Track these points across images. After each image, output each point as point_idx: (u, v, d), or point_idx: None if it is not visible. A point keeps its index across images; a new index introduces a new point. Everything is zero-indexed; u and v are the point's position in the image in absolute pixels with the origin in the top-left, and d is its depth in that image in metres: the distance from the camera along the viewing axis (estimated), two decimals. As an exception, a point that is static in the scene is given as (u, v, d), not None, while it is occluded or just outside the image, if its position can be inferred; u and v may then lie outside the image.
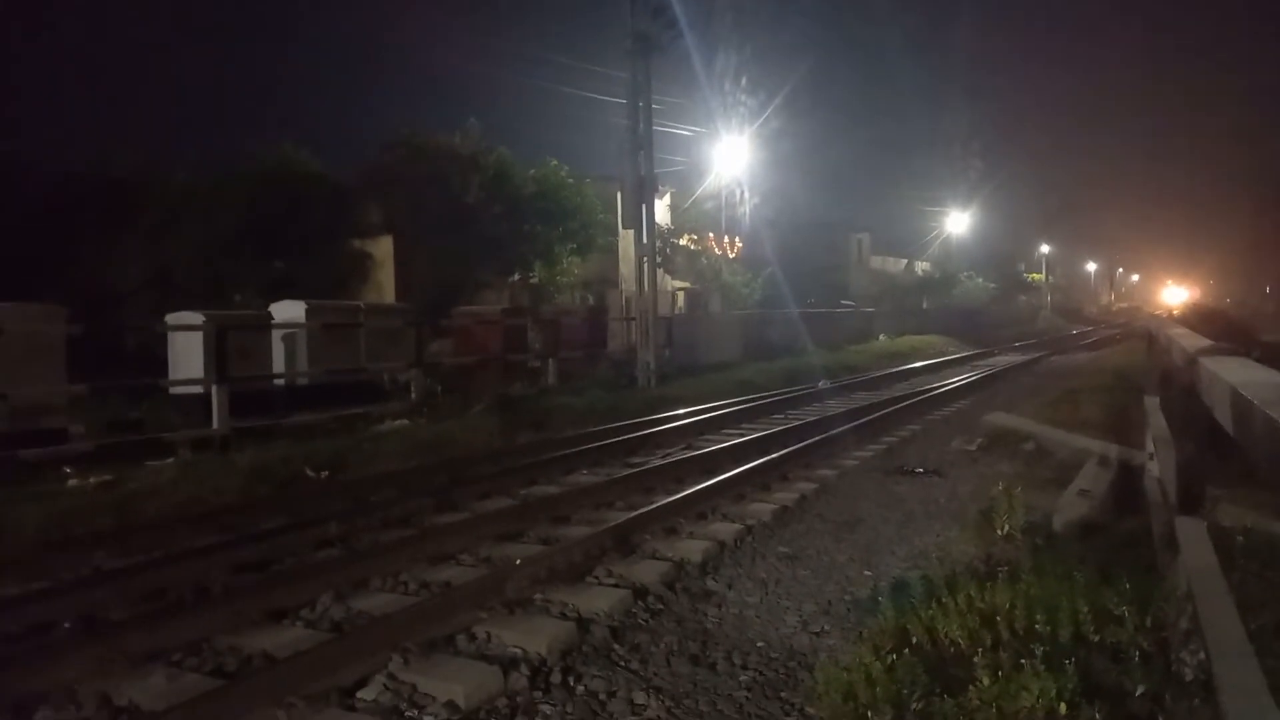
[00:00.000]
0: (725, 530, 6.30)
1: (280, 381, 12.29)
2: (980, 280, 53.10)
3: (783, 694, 3.74)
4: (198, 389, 10.46)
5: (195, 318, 11.05)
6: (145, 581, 5.16)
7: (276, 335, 12.37)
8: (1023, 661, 2.96)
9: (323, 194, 21.08)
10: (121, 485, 7.54)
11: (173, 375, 11.20)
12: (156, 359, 11.80)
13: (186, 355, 11.05)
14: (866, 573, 5.41)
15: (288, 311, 12.76)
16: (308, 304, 12.93)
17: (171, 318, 11.51)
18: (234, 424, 9.99)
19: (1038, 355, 26.81)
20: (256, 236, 19.15)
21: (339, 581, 5.07)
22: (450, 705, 3.57)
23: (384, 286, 22.41)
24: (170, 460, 8.75)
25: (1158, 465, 4.95)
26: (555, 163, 25.18)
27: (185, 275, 18.06)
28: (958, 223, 50.63)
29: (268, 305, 13.23)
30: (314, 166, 21.80)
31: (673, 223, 27.77)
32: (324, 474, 8.34)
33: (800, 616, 4.68)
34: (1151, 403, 6.14)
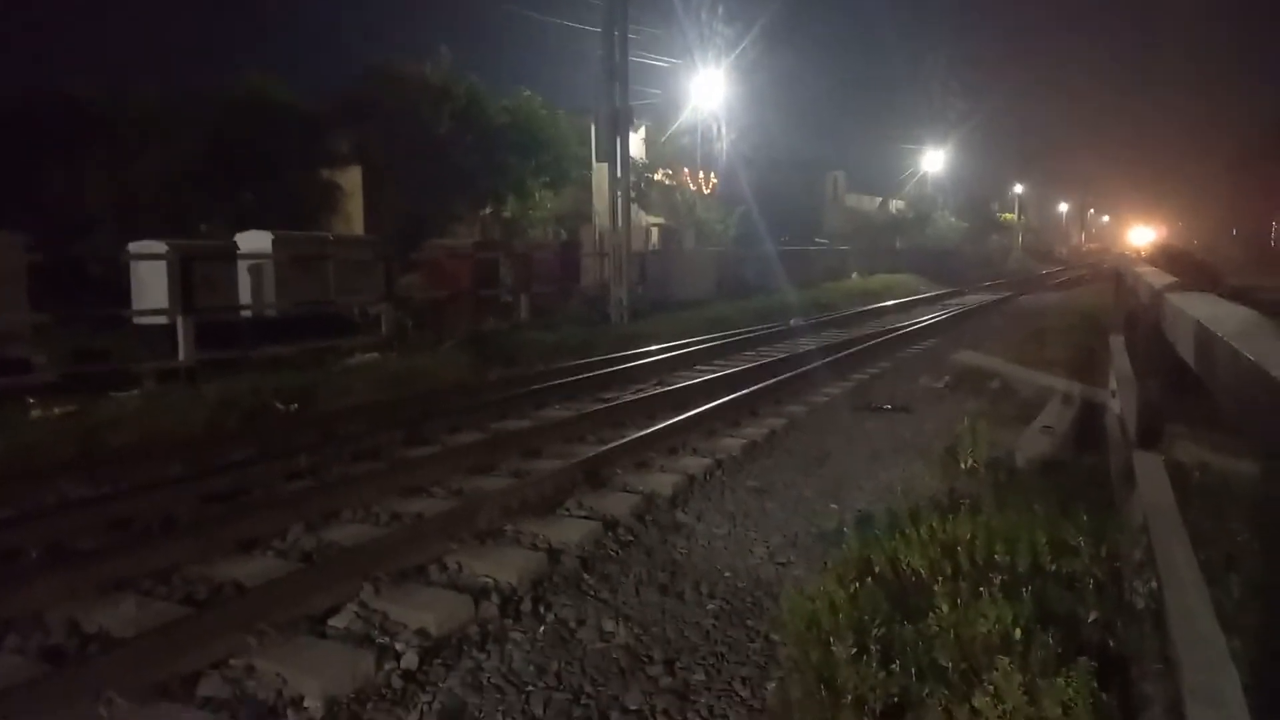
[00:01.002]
0: (695, 464, 6.37)
1: (247, 313, 12.12)
2: (954, 220, 53.20)
3: (748, 622, 3.83)
4: (162, 320, 10.29)
5: (159, 247, 10.81)
6: (112, 511, 5.14)
7: (243, 266, 12.15)
8: (981, 590, 3.03)
9: (291, 123, 20.52)
10: (86, 416, 7.44)
11: (136, 305, 10.99)
12: (121, 288, 11.57)
13: (151, 285, 10.83)
14: (833, 506, 5.51)
15: (254, 242, 12.52)
16: (275, 234, 12.68)
17: (134, 246, 11.25)
18: (200, 356, 9.87)
19: (1007, 295, 27.07)
20: (223, 165, 18.67)
21: (309, 512, 5.08)
22: (421, 633, 3.62)
23: (353, 218, 22.04)
24: (135, 391, 8.64)
25: (1119, 403, 5.05)
26: (528, 93, 24.67)
27: (150, 203, 17.61)
28: (933, 161, 50.46)
29: (233, 235, 12.97)
30: (283, 94, 21.18)
31: (648, 157, 27.43)
32: (293, 407, 8.29)
33: (767, 548, 4.77)
34: (1116, 342, 6.23)
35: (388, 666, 3.37)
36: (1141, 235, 45.88)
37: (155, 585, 4.14)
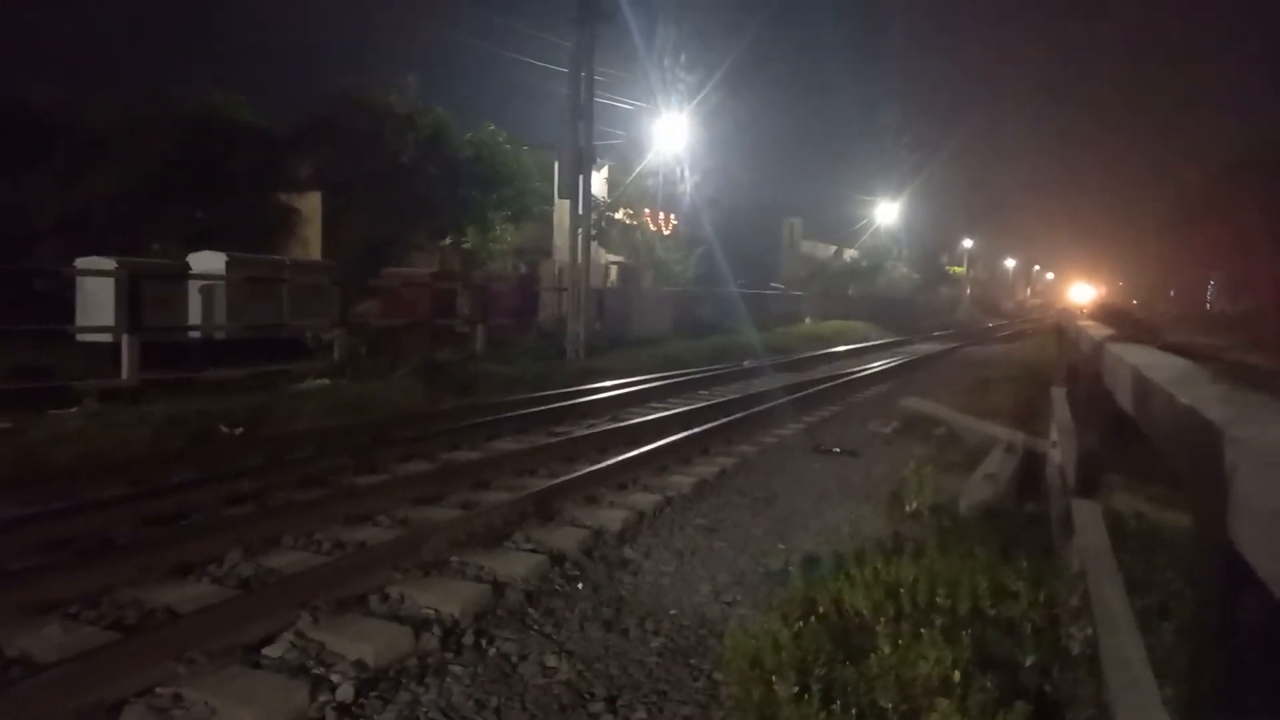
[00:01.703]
0: (645, 501, 6.35)
1: (196, 334, 11.91)
2: (905, 270, 54.31)
3: (692, 660, 3.81)
4: (108, 337, 10.06)
5: (107, 263, 10.61)
6: (44, 532, 4.97)
7: (194, 286, 11.96)
8: (922, 632, 3.07)
9: (251, 143, 20.34)
10: (23, 434, 7.21)
11: (81, 322, 10.75)
12: (66, 304, 11.30)
13: (97, 302, 10.61)
14: (780, 546, 5.53)
15: (207, 263, 12.35)
16: (229, 256, 12.54)
17: (82, 262, 11.03)
18: (145, 376, 9.65)
19: (955, 345, 27.60)
20: (178, 183, 18.39)
21: (250, 538, 4.96)
22: (359, 664, 3.54)
23: (311, 243, 21.84)
24: (75, 410, 8.40)
25: (1060, 453, 5.16)
26: (493, 127, 24.77)
27: (100, 219, 17.25)
28: (887, 213, 51.55)
29: (186, 254, 12.77)
30: (243, 114, 21.00)
31: (610, 196, 27.64)
32: (239, 430, 8.13)
33: (714, 586, 4.77)
34: (1058, 393, 6.39)
35: (322, 698, 3.29)
36: (1082, 293, 47.13)
37: (84, 609, 4.00)
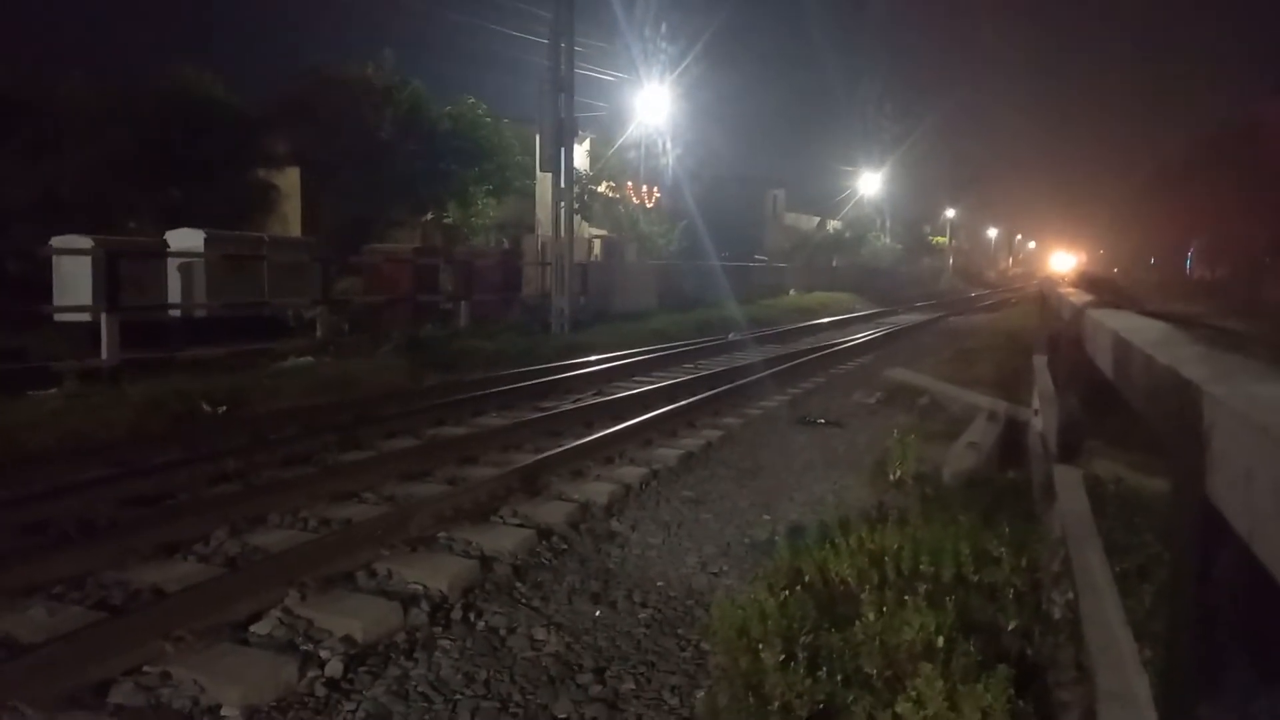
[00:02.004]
0: (631, 474, 6.37)
1: (176, 313, 11.80)
2: (889, 241, 54.38)
3: (679, 630, 3.84)
4: (85, 317, 9.95)
5: (83, 242, 10.48)
6: (25, 514, 4.94)
7: (173, 265, 11.84)
8: (906, 599, 3.10)
9: (226, 119, 20.04)
10: (1, 415, 7.14)
11: (58, 302, 10.62)
12: (42, 284, 11.16)
13: (74, 281, 10.48)
14: (766, 517, 5.57)
15: (185, 240, 12.21)
16: (207, 233, 12.40)
17: (58, 241, 10.88)
18: (125, 355, 9.55)
19: (938, 315, 27.74)
20: (152, 161, 18.12)
21: (235, 517, 4.95)
22: (347, 640, 3.55)
23: (290, 220, 21.62)
24: (55, 391, 8.32)
25: (1041, 420, 5.21)
26: (473, 100, 24.53)
27: (74, 197, 16.98)
28: (870, 184, 51.52)
29: (163, 233, 12.62)
30: (217, 91, 20.67)
31: (592, 169, 27.48)
32: (221, 409, 8.07)
33: (700, 557, 4.80)
34: (1040, 361, 6.43)
35: (311, 674, 3.30)
36: (1063, 261, 47.23)
37: (68, 591, 3.98)
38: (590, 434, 7.27)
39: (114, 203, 17.49)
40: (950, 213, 69.72)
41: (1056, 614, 3.17)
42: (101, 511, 5.14)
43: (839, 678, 2.73)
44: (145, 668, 3.24)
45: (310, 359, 11.14)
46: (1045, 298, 7.12)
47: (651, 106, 29.07)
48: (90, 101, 18.26)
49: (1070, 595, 3.07)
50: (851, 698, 2.65)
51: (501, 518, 5.25)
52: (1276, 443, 0.68)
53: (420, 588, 4.11)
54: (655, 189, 32.25)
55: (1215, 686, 0.96)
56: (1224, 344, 1.30)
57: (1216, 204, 44.54)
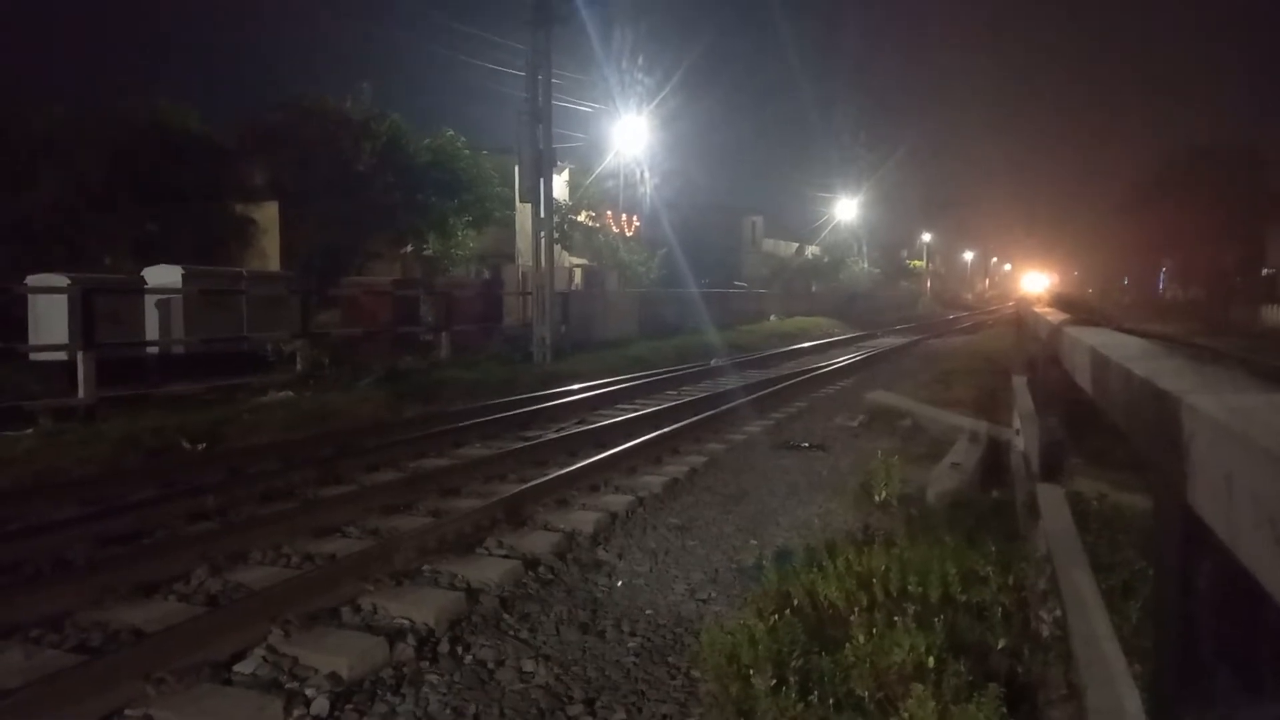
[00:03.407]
0: (617, 502, 6.35)
1: (154, 349, 11.69)
2: (865, 266, 54.88)
3: (669, 659, 3.82)
4: (61, 355, 9.84)
5: (60, 280, 10.39)
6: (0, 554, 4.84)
7: (150, 301, 11.75)
8: (895, 620, 3.10)
9: (201, 153, 19.98)
10: (-27, 456, 7.03)
11: (34, 340, 10.51)
12: (14, 321, 11.03)
13: (49, 319, 10.38)
14: (752, 542, 5.56)
15: (163, 276, 12.14)
16: (185, 269, 12.33)
17: (34, 279, 10.78)
18: (102, 393, 9.45)
19: (917, 338, 27.94)
20: (126, 192, 17.99)
21: (215, 554, 4.88)
22: (333, 677, 3.50)
23: (268, 253, 21.52)
24: (30, 430, 8.21)
25: (1023, 440, 5.25)
26: (451, 133, 24.65)
27: (47, 229, 16.80)
28: (846, 209, 52.10)
29: (140, 266, 12.55)
30: (192, 122, 20.63)
31: (571, 199, 27.64)
32: (200, 445, 7.99)
33: (688, 584, 4.78)
34: (1019, 382, 6.49)
35: (296, 713, 3.24)
36: (1035, 281, 47.50)
37: (46, 632, 3.90)
38: (575, 462, 7.25)
39: (89, 234, 17.33)
40: (926, 237, 70.52)
41: (1045, 632, 3.18)
42: (78, 551, 5.06)
43: (831, 701, 2.72)
44: (127, 710, 3.18)
45: (290, 393, 11.05)
46: (1021, 319, 7.20)
47: (629, 137, 29.37)
48: (66, 132, 18.14)
49: (1058, 613, 3.08)
50: (843, 721, 2.65)
51: (487, 549, 5.21)
52: (1255, 450, 0.69)
53: (406, 622, 4.06)
54: (635, 218, 32.47)
55: (1202, 698, 0.97)
56: (1200, 358, 1.32)
57: (1188, 225, 45.32)
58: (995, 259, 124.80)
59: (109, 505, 5.94)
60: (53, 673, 3.35)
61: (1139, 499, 4.50)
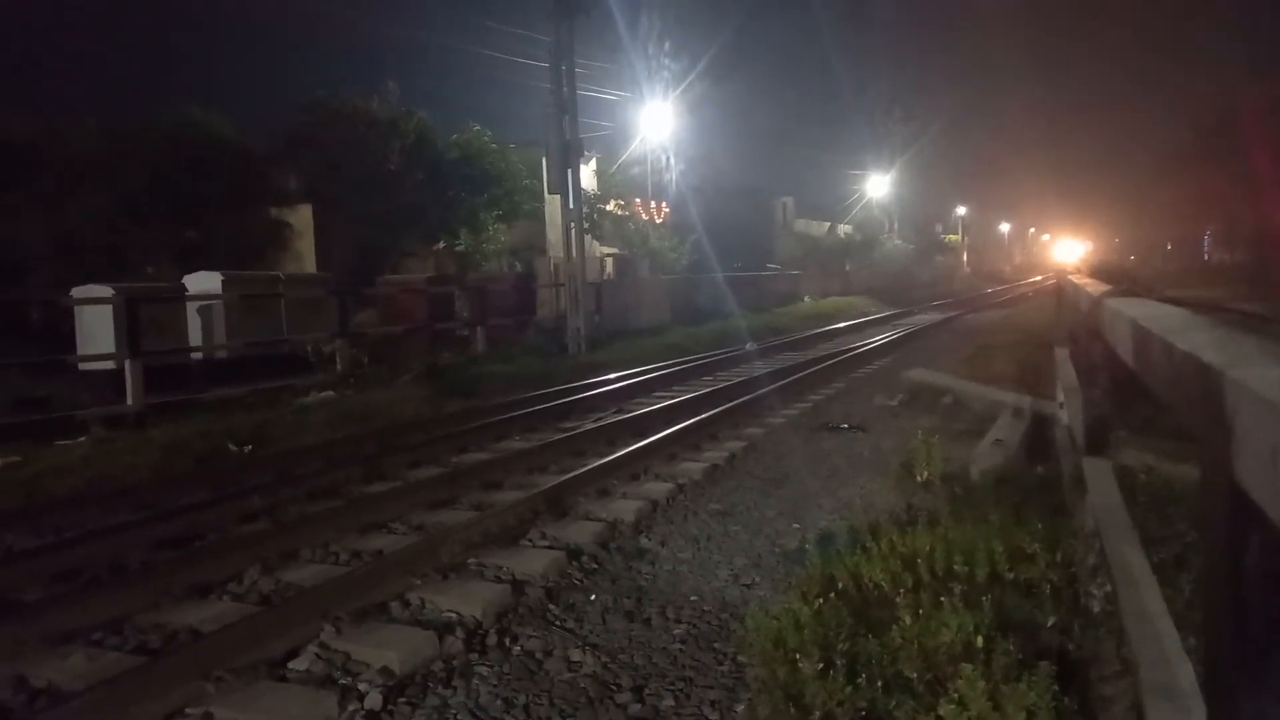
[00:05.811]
0: (658, 489, 6.37)
1: (197, 355, 11.93)
2: (900, 242, 54.24)
3: (715, 644, 3.83)
4: (109, 364, 10.07)
5: (104, 290, 10.62)
6: (59, 561, 4.98)
7: (192, 307, 11.98)
8: (942, 600, 3.08)
9: (234, 160, 20.28)
10: (29, 465, 7.23)
11: (81, 351, 10.77)
12: (62, 333, 11.32)
13: (96, 329, 10.63)
14: (795, 525, 5.55)
15: (204, 283, 12.36)
16: (224, 275, 12.55)
17: (79, 291, 11.04)
18: (149, 400, 9.67)
19: (955, 314, 27.59)
20: (165, 203, 18.34)
21: (266, 554, 4.98)
22: (385, 671, 3.56)
23: (304, 256, 21.82)
24: (82, 439, 8.42)
25: (1066, 413, 5.17)
26: (478, 128, 24.75)
27: (90, 243, 17.19)
28: (878, 186, 51.52)
29: (181, 275, 12.79)
30: (225, 130, 20.94)
31: (599, 188, 27.62)
32: (247, 448, 8.14)
33: (731, 570, 4.79)
34: (1061, 354, 6.39)
35: (351, 708, 3.31)
36: (1070, 251, 46.01)
37: (106, 636, 4.02)
38: (614, 452, 7.28)
39: (130, 246, 17.70)
40: (961, 210, 69.49)
41: (1095, 608, 3.14)
42: (134, 555, 5.19)
43: (879, 684, 2.71)
44: (188, 709, 3.27)
45: (331, 393, 11.22)
46: (1062, 290, 7.08)
47: (656, 123, 29.26)
48: (103, 147, 18.51)
49: (1108, 588, 3.04)
50: (893, 703, 2.64)
51: (530, 541, 5.26)
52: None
53: (454, 615, 4.12)
54: (664, 204, 32.37)
55: (1257, 673, 0.96)
56: (1244, 327, 1.29)
57: (1234, 185, 44.11)
58: (1033, 229, 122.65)
59: (162, 509, 6.08)
60: (114, 675, 3.45)
61: (1188, 469, 4.42)
